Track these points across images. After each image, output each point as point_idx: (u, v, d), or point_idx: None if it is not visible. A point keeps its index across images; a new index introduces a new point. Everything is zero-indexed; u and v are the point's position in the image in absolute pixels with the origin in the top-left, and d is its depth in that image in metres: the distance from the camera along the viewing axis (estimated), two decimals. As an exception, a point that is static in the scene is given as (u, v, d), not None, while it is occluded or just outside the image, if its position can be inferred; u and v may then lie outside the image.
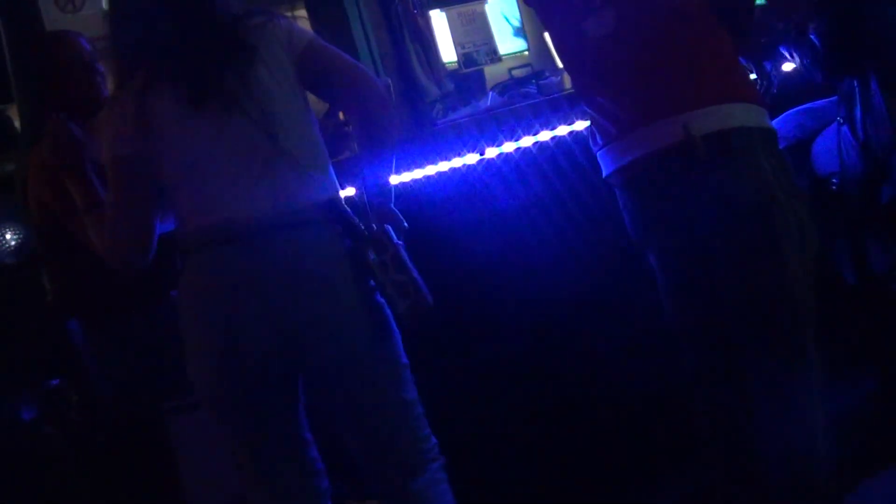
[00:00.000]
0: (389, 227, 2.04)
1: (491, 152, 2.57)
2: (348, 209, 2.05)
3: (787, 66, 2.81)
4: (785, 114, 2.75)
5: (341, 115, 2.68)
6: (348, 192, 2.39)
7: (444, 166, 2.57)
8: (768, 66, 2.43)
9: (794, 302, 2.02)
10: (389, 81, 2.76)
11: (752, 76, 2.41)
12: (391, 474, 2.04)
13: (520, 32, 5.00)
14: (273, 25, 2.05)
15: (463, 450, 2.15)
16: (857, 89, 2.47)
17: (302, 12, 5.18)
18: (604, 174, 2.22)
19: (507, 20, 4.95)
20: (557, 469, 2.65)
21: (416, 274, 2.03)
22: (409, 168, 2.52)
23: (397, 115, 2.33)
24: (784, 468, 2.00)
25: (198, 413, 2.15)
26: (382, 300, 2.03)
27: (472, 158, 2.56)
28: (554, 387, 2.70)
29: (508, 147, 2.58)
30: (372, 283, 2.02)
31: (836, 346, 2.24)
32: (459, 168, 2.57)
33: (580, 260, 2.76)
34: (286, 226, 1.96)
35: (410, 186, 2.53)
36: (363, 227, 2.03)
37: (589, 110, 2.24)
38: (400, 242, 2.05)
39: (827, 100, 2.77)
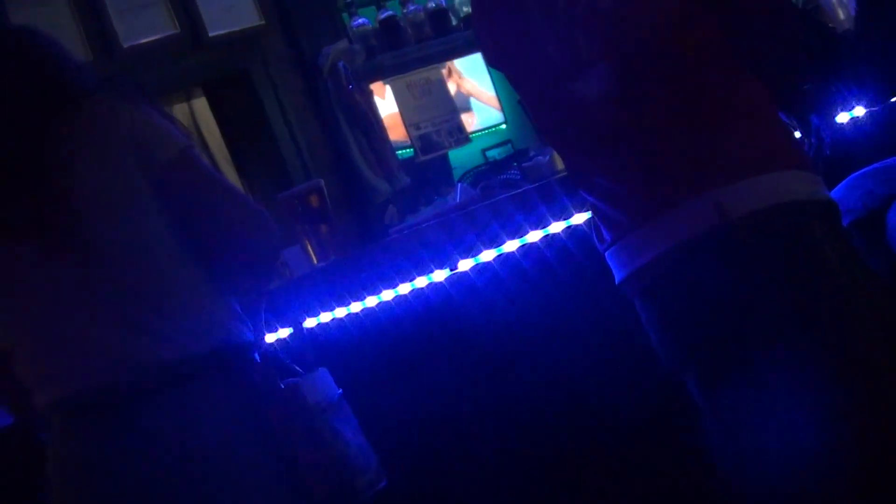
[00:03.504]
0: (325, 371, 2.08)
1: (464, 265, 2.58)
2: (251, 353, 2.11)
3: (843, 118, 2.85)
4: (847, 179, 2.78)
5: None
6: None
7: (403, 288, 2.58)
8: (816, 121, 2.46)
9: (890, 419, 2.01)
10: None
11: (797, 135, 2.44)
12: None
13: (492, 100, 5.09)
14: (110, 113, 2.09)
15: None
16: None
17: (201, 100, 5.28)
18: (616, 280, 2.23)
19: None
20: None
21: (348, 443, 2.10)
22: (356, 296, 2.53)
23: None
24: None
25: None
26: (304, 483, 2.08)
27: (440, 275, 2.57)
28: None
29: (487, 255, 2.59)
30: (285, 456, 2.07)
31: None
32: (423, 289, 2.58)
33: (601, 402, 2.76)
34: (155, 387, 2.00)
35: (358, 319, 2.53)
36: (269, 381, 2.10)
37: (589, 197, 2.26)
38: (339, 392, 2.09)
39: (901, 155, 2.81)
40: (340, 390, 2.10)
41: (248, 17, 4.59)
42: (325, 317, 2.50)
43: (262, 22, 4.61)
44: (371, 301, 2.57)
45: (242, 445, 2.03)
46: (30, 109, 2.09)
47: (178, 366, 2.01)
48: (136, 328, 2.01)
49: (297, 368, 2.15)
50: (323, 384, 2.14)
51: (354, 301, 2.53)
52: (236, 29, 4.56)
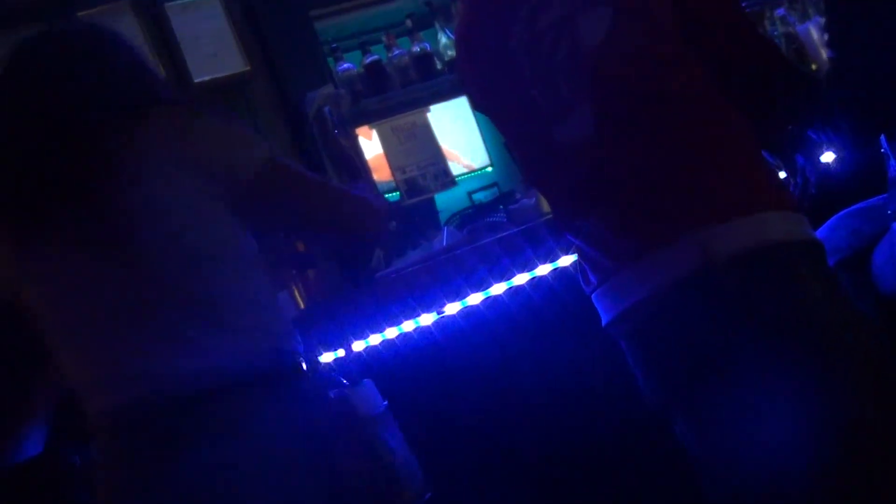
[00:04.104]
0: (371, 383, 2.11)
1: (451, 308, 2.59)
2: (302, 367, 2.10)
3: (827, 157, 2.86)
4: (832, 219, 2.80)
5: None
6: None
7: (390, 332, 2.58)
8: (801, 161, 2.47)
9: (885, 462, 2.01)
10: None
11: (782, 175, 2.45)
12: None
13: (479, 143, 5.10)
14: (185, 124, 2.09)
15: None
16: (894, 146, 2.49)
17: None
18: (603, 322, 2.23)
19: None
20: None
21: (397, 454, 2.11)
22: (342, 341, 2.53)
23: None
24: None
25: None
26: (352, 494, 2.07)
27: (426, 319, 2.58)
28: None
29: (475, 299, 2.60)
30: (335, 468, 2.05)
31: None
32: (410, 333, 2.58)
33: (587, 440, 2.76)
34: (204, 399, 1.98)
35: (344, 364, 2.53)
36: (321, 393, 2.12)
37: (574, 240, 2.26)
38: (383, 405, 2.10)
39: (886, 195, 2.80)
40: (385, 402, 2.10)
41: (232, 62, 4.59)
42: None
43: (248, 68, 4.61)
44: (358, 346, 2.57)
45: (294, 457, 2.01)
46: (107, 111, 2.08)
47: (231, 379, 2.00)
48: (192, 341, 2.00)
49: (343, 380, 2.14)
50: (369, 395, 2.14)
51: (339, 347, 2.53)
52: (221, 75, 4.56)
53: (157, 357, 2.00)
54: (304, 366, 2.14)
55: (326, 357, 2.56)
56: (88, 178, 2.02)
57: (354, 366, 2.55)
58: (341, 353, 2.56)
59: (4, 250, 2.06)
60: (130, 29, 4.23)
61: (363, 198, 2.28)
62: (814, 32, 4.22)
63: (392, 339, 2.59)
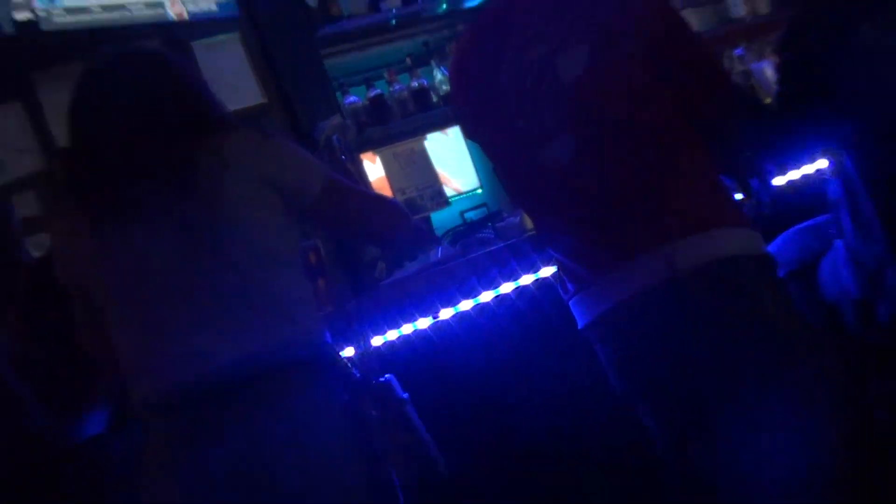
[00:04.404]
0: (392, 378, 2.09)
1: (445, 313, 2.59)
2: (342, 357, 2.09)
3: (779, 180, 2.87)
4: (784, 234, 2.80)
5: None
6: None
7: (391, 335, 2.57)
8: (755, 184, 2.48)
9: (824, 453, 2.01)
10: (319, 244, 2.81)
11: (739, 196, 2.46)
12: None
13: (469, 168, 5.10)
14: (257, 144, 2.11)
15: None
16: (840, 184, 2.50)
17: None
18: (579, 326, 2.23)
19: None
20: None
21: (425, 434, 2.08)
22: (350, 342, 2.53)
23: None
24: None
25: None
26: (387, 471, 2.06)
27: (423, 322, 2.58)
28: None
29: (465, 305, 2.60)
30: (374, 446, 2.06)
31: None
32: (409, 335, 2.58)
33: (565, 430, 2.75)
34: (265, 379, 1.97)
35: (351, 362, 2.52)
36: (361, 378, 2.09)
37: (554, 254, 2.27)
38: (405, 396, 2.08)
39: (830, 214, 2.81)
40: (407, 394, 2.10)
41: (251, 95, 4.59)
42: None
43: (265, 100, 4.61)
44: (371, 343, 2.57)
45: (342, 435, 2.02)
46: (185, 125, 2.09)
47: (286, 362, 2.00)
48: (255, 329, 2.00)
49: (357, 373, 2.14)
50: (398, 385, 2.15)
51: (348, 346, 2.53)
52: (241, 107, 4.56)
53: (222, 341, 1.98)
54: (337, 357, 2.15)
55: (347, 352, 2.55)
56: (176, 175, 2.02)
57: (360, 365, 2.54)
58: (350, 351, 2.55)
59: (82, 230, 2.03)
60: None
61: (395, 203, 2.44)
62: (767, 70, 4.24)
63: (392, 341, 2.59)
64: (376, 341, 2.58)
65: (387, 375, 2.14)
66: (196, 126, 2.10)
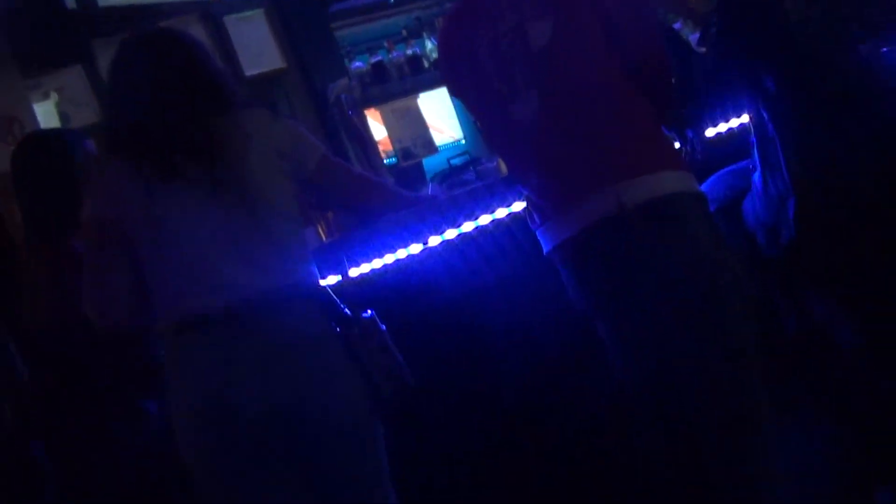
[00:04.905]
0: (373, 312, 2.11)
1: (434, 241, 2.58)
2: (333, 294, 2.10)
3: (710, 132, 2.87)
4: (714, 175, 2.80)
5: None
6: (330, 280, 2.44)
7: (388, 258, 2.57)
8: (690, 134, 2.48)
9: (740, 357, 2.04)
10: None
11: (677, 144, 2.45)
12: None
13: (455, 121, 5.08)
14: (275, 124, 2.13)
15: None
16: (757, 132, 2.52)
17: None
18: (544, 252, 2.24)
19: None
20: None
21: (399, 357, 2.11)
22: (354, 264, 2.53)
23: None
24: None
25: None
26: (369, 386, 2.08)
27: (415, 248, 2.57)
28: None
29: (450, 234, 2.59)
30: (359, 367, 2.07)
31: (785, 395, 2.26)
32: (403, 259, 2.58)
33: (533, 337, 2.76)
34: (274, 308, 1.99)
35: (353, 283, 2.53)
36: (350, 313, 2.09)
37: (524, 191, 2.26)
38: (383, 327, 2.11)
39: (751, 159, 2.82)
40: (384, 326, 2.13)
41: (273, 60, 4.57)
42: (332, 279, 2.49)
43: (284, 65, 4.59)
44: (365, 268, 2.57)
45: (337, 351, 2.06)
46: (210, 102, 2.09)
47: (289, 293, 2.03)
48: (268, 264, 2.02)
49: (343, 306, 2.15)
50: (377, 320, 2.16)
51: (353, 267, 2.52)
52: (265, 70, 4.53)
53: (247, 275, 1.99)
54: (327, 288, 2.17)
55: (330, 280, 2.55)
56: (210, 145, 2.03)
57: (363, 286, 2.54)
58: (355, 272, 2.55)
59: (137, 191, 2.01)
60: (199, 35, 4.20)
61: (381, 183, 2.40)
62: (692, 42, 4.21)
63: (390, 264, 2.58)
64: (377, 263, 2.58)
65: (369, 311, 2.14)
66: (218, 103, 2.09)
